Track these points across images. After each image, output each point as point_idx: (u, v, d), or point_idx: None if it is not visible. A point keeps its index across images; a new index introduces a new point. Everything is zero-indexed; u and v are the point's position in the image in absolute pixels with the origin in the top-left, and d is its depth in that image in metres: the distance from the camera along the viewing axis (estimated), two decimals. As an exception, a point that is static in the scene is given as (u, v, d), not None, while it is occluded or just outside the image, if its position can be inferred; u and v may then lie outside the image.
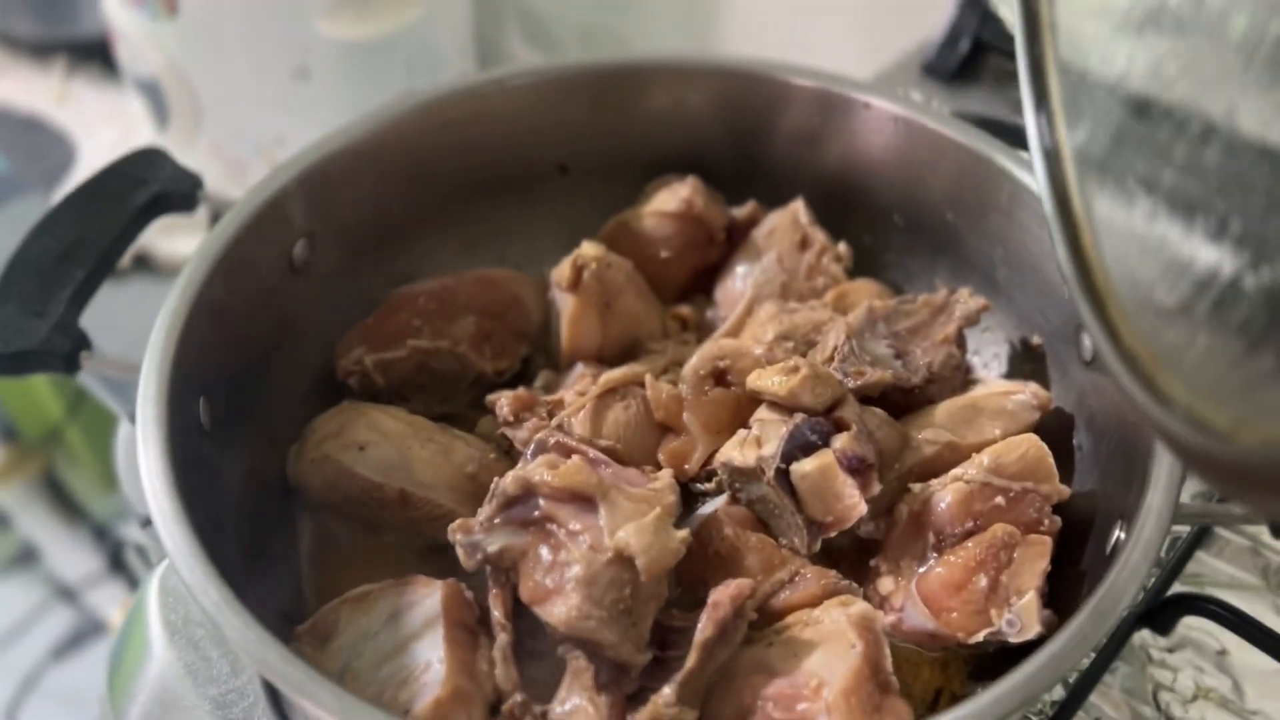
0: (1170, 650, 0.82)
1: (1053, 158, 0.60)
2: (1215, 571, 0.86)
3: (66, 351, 0.69)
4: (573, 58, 0.90)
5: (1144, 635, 0.82)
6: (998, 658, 0.70)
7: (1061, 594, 0.69)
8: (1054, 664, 0.56)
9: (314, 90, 1.25)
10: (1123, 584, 0.57)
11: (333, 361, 0.83)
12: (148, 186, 0.77)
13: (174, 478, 0.63)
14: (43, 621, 2.06)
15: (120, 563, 2.01)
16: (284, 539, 0.77)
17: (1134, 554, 0.58)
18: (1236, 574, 0.86)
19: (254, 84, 1.25)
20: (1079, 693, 0.77)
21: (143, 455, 0.62)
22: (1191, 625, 0.82)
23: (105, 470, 1.85)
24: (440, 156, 0.89)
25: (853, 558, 0.75)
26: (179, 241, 1.29)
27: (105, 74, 1.53)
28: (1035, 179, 0.61)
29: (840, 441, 0.70)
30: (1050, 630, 0.67)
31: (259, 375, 0.77)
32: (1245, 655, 0.83)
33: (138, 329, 0.70)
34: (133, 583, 1.92)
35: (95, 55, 1.53)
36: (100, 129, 1.48)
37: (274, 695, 0.78)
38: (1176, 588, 0.83)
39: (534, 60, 1.56)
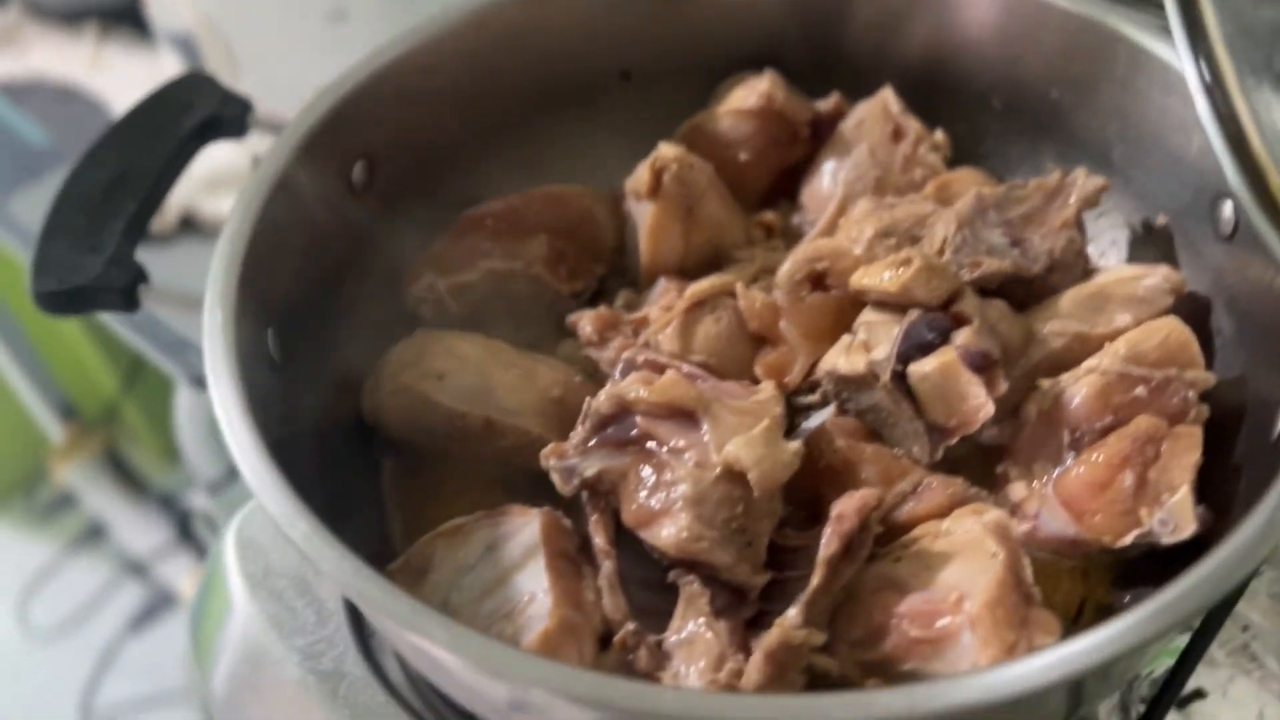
0: (1320, 551, 0.76)
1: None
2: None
3: (124, 286, 0.64)
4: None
5: (1291, 536, 0.75)
6: (1143, 563, 0.64)
7: (1214, 490, 0.63)
8: (1234, 561, 0.50)
9: (351, 31, 1.21)
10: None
11: (402, 292, 0.78)
12: (195, 112, 0.72)
13: (248, 409, 0.58)
14: (115, 598, 2.07)
15: (188, 534, 2.00)
16: (365, 479, 0.73)
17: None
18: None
19: (289, 29, 1.21)
20: (1226, 600, 0.71)
21: (214, 389, 0.58)
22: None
23: (166, 443, 1.83)
24: (494, 69, 0.83)
25: (975, 466, 0.69)
26: (225, 201, 1.25)
27: (137, 37, 1.49)
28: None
29: (962, 337, 0.64)
30: (1205, 528, 0.61)
31: (327, 306, 0.73)
32: (1403, 552, 0.77)
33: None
34: (201, 553, 1.91)
35: (126, 19, 1.49)
36: (136, 93, 1.43)
37: (364, 640, 0.74)
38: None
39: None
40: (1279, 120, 0.56)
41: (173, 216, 1.28)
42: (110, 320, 1.19)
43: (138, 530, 2.09)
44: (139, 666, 1.95)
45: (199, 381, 0.59)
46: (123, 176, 0.68)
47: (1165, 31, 0.70)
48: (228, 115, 0.73)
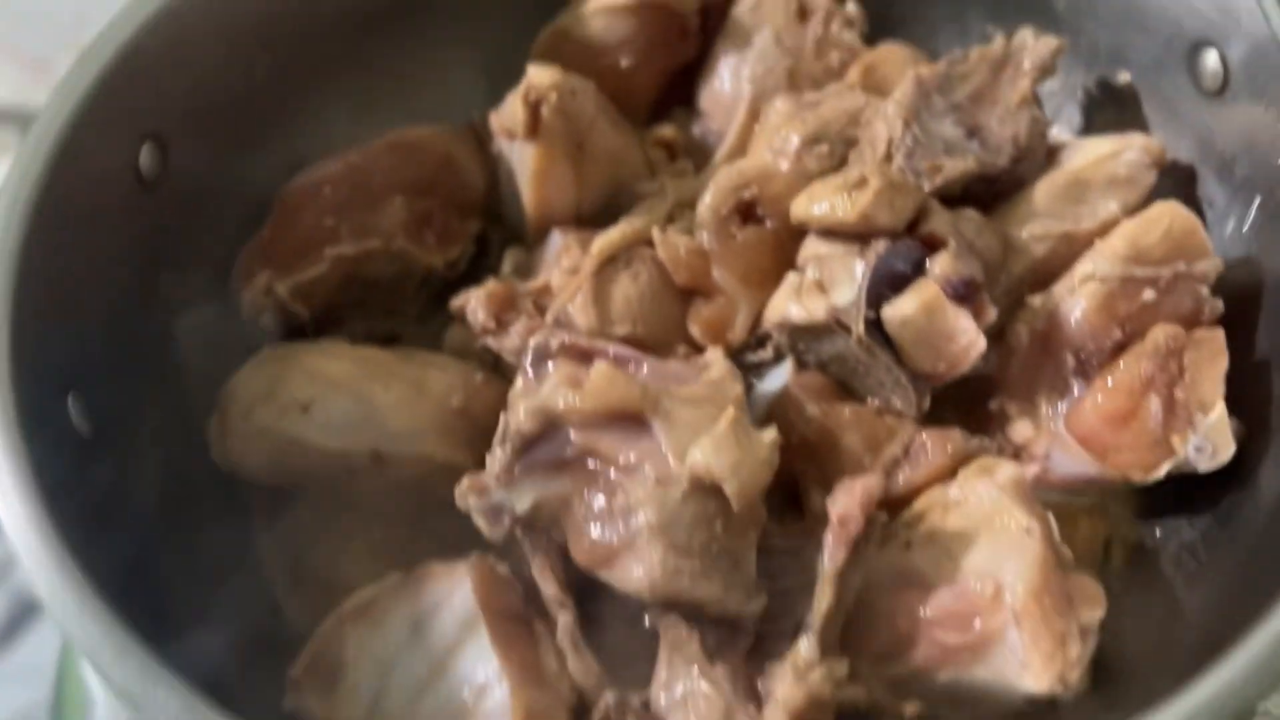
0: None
1: None
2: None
3: None
4: None
5: None
6: (1167, 484, 0.56)
7: (1238, 391, 0.54)
8: None
9: None
10: None
11: (232, 293, 0.62)
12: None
13: (56, 525, 0.44)
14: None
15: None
16: (238, 540, 0.59)
17: None
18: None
19: None
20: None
21: (5, 514, 0.43)
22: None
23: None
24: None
25: (960, 401, 0.59)
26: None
27: None
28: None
29: (940, 265, 0.53)
30: (1240, 441, 0.53)
31: (141, 335, 0.57)
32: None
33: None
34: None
35: None
36: None
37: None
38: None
39: None
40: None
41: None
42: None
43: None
44: (13, 675, 1.77)
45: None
46: None
47: None
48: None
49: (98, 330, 0.54)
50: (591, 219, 0.64)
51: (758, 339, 0.60)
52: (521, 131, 0.60)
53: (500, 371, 0.60)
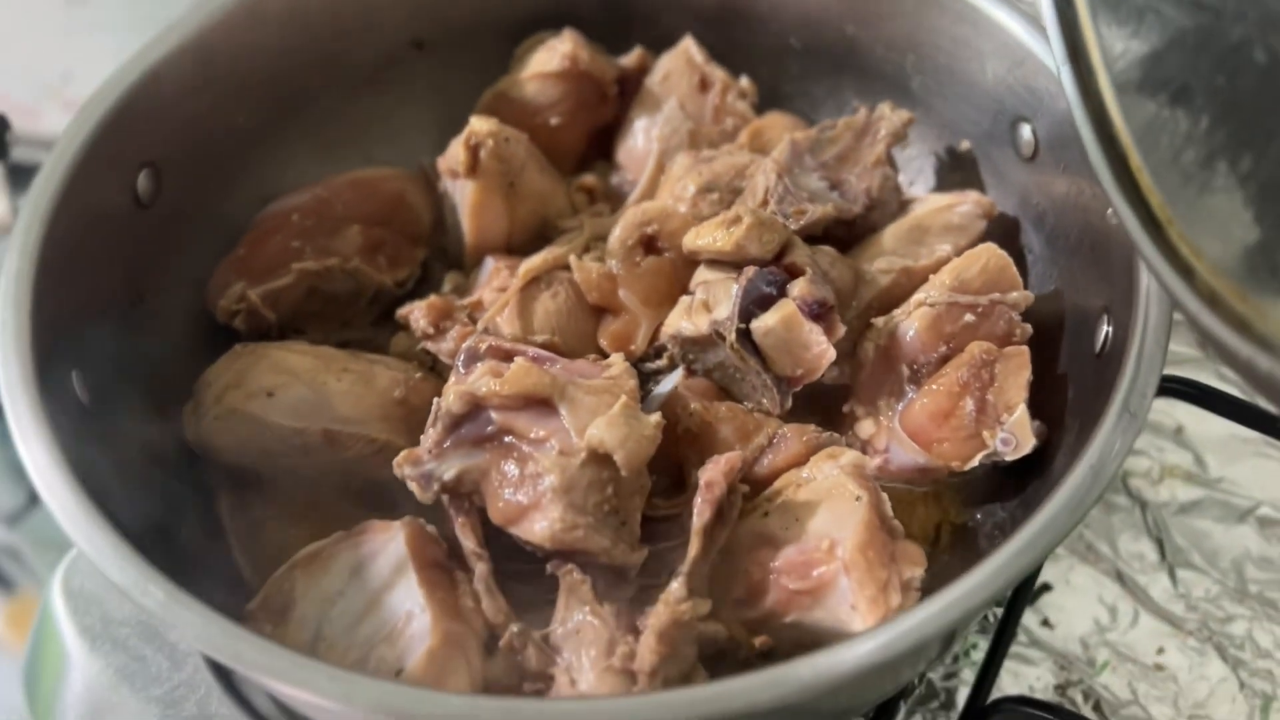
0: (1130, 436, 0.82)
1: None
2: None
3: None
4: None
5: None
6: (988, 479, 0.68)
7: (1045, 401, 0.66)
8: (1093, 476, 0.53)
9: (93, 13, 1.16)
10: (1144, 379, 0.54)
11: (209, 303, 0.73)
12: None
13: (66, 465, 0.53)
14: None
15: (-12, 569, 1.85)
16: (203, 512, 0.68)
17: (1145, 342, 0.55)
18: (1175, 349, 0.86)
19: (25, 14, 1.14)
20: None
21: (24, 449, 0.53)
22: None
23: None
24: (277, 51, 0.77)
25: (820, 407, 0.71)
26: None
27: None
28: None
29: (798, 288, 0.65)
30: (1042, 440, 0.65)
31: (130, 333, 0.67)
32: (1200, 427, 0.84)
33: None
34: (5, 584, 1.77)
35: None
36: None
37: (226, 679, 0.70)
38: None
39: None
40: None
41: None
42: None
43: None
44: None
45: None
46: None
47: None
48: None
49: (99, 322, 0.64)
50: (520, 249, 0.76)
51: (655, 350, 0.71)
52: (462, 171, 0.72)
53: (437, 372, 0.71)
